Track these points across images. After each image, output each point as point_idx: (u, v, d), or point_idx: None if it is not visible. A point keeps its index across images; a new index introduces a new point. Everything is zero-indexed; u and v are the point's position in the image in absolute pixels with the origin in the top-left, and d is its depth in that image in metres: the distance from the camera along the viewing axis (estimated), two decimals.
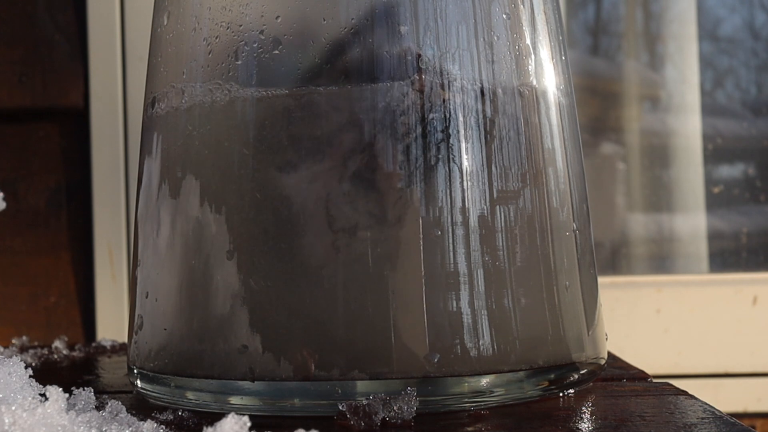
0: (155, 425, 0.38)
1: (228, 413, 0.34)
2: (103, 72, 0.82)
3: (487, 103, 0.44)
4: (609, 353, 0.54)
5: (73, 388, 0.42)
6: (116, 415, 0.39)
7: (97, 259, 0.82)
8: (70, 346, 0.69)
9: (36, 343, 0.74)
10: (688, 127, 1.01)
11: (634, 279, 0.89)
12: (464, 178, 0.43)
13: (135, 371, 0.47)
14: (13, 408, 0.35)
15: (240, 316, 0.42)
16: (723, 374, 0.85)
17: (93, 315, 0.83)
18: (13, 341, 0.71)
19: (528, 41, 0.46)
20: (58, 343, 0.67)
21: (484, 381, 0.42)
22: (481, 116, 0.44)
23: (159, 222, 0.46)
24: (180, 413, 0.43)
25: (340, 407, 0.39)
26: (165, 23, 0.48)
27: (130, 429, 0.38)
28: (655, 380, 0.49)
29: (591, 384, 0.48)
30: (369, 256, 0.42)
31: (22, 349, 0.68)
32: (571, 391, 0.46)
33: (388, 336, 0.41)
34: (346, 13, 0.43)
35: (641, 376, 0.51)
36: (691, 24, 1.03)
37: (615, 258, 1.00)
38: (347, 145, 0.42)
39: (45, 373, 0.57)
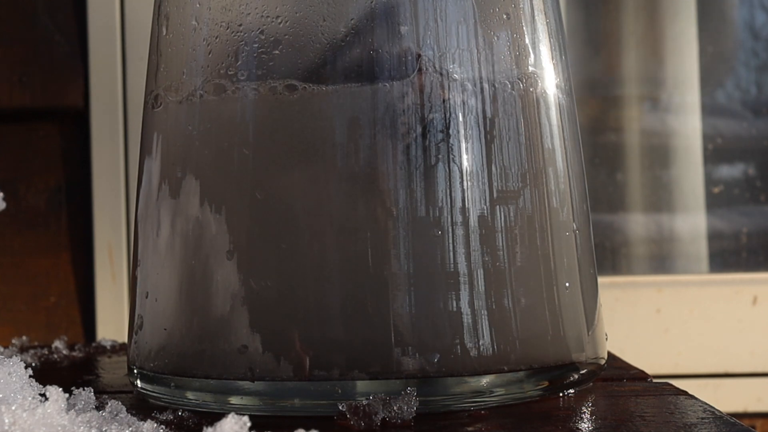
0: (155, 425, 0.38)
1: (228, 413, 0.34)
2: (103, 72, 0.82)
3: (487, 102, 0.44)
4: (609, 353, 0.54)
5: (73, 388, 0.42)
6: (116, 415, 0.39)
7: (97, 259, 0.82)
8: (70, 346, 0.69)
9: (36, 343, 0.74)
10: (688, 127, 1.01)
11: (634, 279, 0.89)
12: (464, 178, 0.43)
13: (135, 371, 0.47)
14: (13, 408, 0.35)
15: (240, 316, 0.42)
16: (723, 374, 0.85)
17: (93, 315, 0.82)
18: (13, 341, 0.71)
19: (528, 41, 0.46)
20: (58, 343, 0.67)
21: (484, 381, 0.42)
22: (480, 116, 0.44)
23: (159, 222, 0.46)
24: (180, 413, 0.43)
25: (340, 407, 0.39)
26: (165, 23, 0.48)
27: (130, 429, 0.38)
28: (655, 380, 0.49)
29: (591, 384, 0.48)
30: (369, 256, 0.42)
31: (22, 349, 0.68)
32: (571, 391, 0.46)
33: (388, 336, 0.41)
34: (346, 13, 0.43)
35: (641, 376, 0.51)
36: (691, 24, 1.03)
37: (615, 258, 1.00)
38: (347, 144, 0.42)
39: (45, 373, 0.57)
